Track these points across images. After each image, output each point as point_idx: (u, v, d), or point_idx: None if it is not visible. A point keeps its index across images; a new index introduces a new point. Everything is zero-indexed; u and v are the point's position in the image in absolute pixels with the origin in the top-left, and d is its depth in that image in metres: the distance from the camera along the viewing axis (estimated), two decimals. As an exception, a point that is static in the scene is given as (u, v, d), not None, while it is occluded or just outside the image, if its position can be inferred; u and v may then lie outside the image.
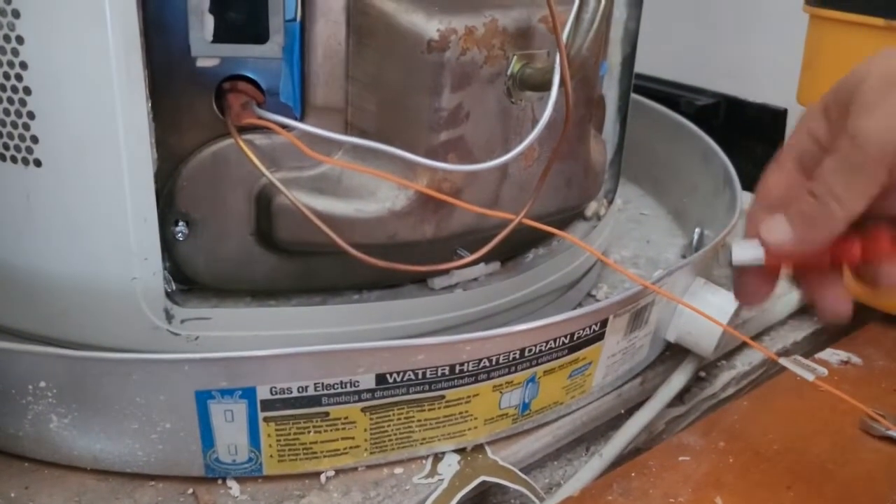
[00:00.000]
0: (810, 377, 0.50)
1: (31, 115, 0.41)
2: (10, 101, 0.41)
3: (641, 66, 0.64)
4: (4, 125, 0.42)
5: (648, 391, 0.55)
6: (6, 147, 0.42)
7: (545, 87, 0.43)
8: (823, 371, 0.56)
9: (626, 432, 0.52)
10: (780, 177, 0.42)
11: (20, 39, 0.40)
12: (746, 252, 0.40)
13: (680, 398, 0.56)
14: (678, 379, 0.55)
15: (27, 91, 0.41)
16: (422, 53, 0.42)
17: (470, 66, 0.43)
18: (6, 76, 0.41)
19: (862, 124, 0.37)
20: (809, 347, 0.64)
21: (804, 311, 0.66)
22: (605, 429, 0.53)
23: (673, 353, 0.57)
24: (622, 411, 0.54)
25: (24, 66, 0.40)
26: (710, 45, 0.94)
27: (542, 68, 0.44)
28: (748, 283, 0.43)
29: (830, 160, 0.38)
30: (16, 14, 0.39)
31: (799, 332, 0.64)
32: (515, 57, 0.44)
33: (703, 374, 0.58)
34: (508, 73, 0.45)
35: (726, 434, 0.50)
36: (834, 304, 0.41)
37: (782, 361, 0.51)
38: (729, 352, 0.60)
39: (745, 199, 0.65)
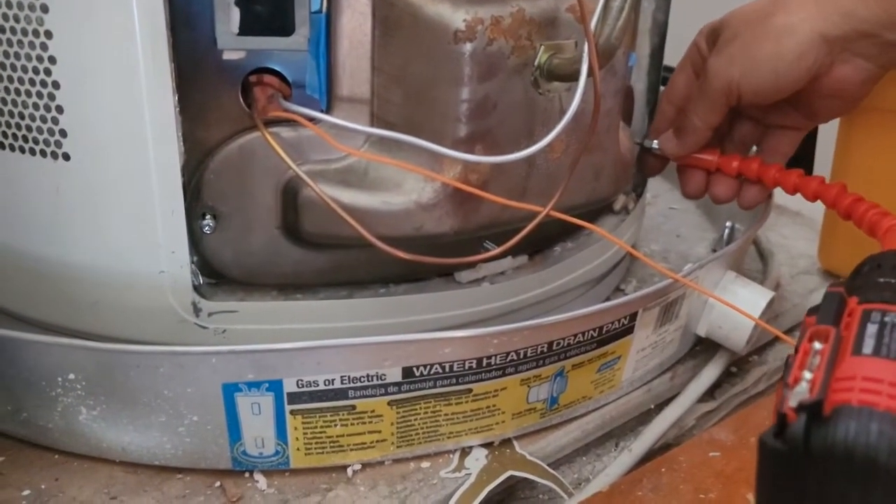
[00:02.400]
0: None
1: (59, 110, 0.42)
2: (39, 95, 0.42)
3: (671, 59, 0.64)
4: (34, 119, 0.42)
5: (678, 386, 0.54)
6: (35, 141, 0.43)
7: (573, 77, 0.42)
8: (858, 366, 0.55)
9: (656, 427, 0.51)
10: (681, 77, 0.56)
11: (48, 34, 0.40)
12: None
13: (710, 394, 0.55)
14: (709, 374, 0.54)
15: (56, 85, 0.41)
16: (448, 44, 0.41)
17: (497, 57, 0.43)
18: (35, 71, 0.41)
19: (711, 62, 0.51)
20: (843, 343, 0.62)
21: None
22: (635, 424, 0.53)
23: (703, 347, 0.56)
24: (652, 406, 0.53)
25: (52, 60, 0.41)
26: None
27: (570, 58, 0.43)
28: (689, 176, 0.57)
29: (696, 87, 0.52)
30: (44, 9, 0.40)
31: (832, 327, 0.63)
32: (543, 47, 0.44)
33: (734, 369, 0.57)
34: (535, 63, 0.44)
35: (758, 430, 0.48)
36: (723, 191, 0.56)
37: None
38: (760, 347, 0.59)
39: (776, 192, 0.65)
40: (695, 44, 0.55)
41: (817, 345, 0.29)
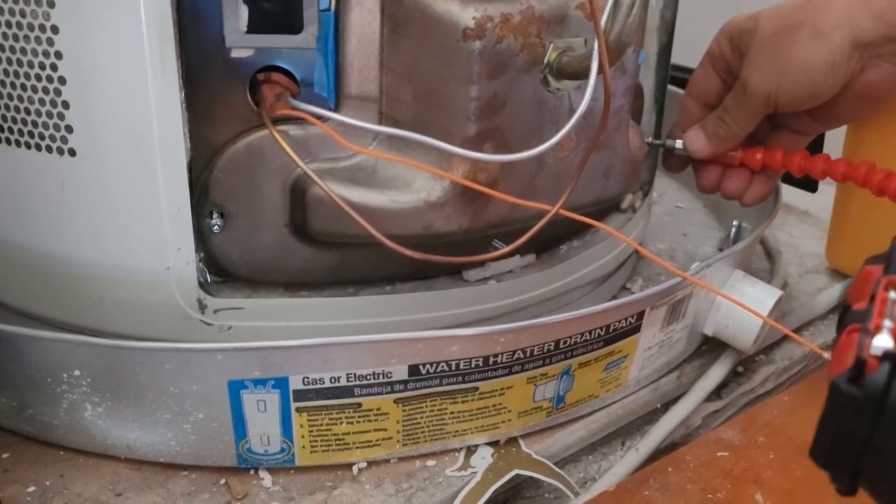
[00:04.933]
0: (854, 372, 0.49)
1: (65, 105, 0.41)
2: (46, 90, 0.41)
3: (678, 57, 0.64)
4: (40, 115, 0.42)
5: (685, 385, 0.54)
6: (41, 137, 0.43)
7: (583, 75, 0.42)
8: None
9: (663, 427, 0.51)
10: (702, 74, 0.57)
11: (55, 29, 0.40)
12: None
13: (717, 393, 0.55)
14: (716, 373, 0.54)
15: (62, 81, 0.41)
16: (457, 42, 0.41)
17: (506, 55, 0.42)
18: (41, 66, 0.41)
19: (748, 75, 0.51)
20: (851, 342, 0.62)
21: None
22: (641, 423, 0.53)
23: (710, 347, 0.56)
24: (658, 405, 0.53)
25: (58, 55, 0.40)
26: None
27: (580, 56, 0.43)
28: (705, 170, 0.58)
29: (730, 96, 0.53)
30: (51, 4, 0.40)
31: (840, 326, 0.62)
32: (552, 45, 0.44)
33: (741, 368, 0.57)
34: (545, 61, 0.44)
35: (766, 429, 0.49)
36: (737, 186, 0.57)
37: (828, 356, 0.50)
38: (768, 346, 0.59)
39: (783, 191, 0.64)
40: (716, 43, 0.55)
41: (894, 294, 0.29)
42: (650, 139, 0.59)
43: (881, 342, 0.26)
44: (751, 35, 0.51)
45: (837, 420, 0.27)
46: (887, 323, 0.27)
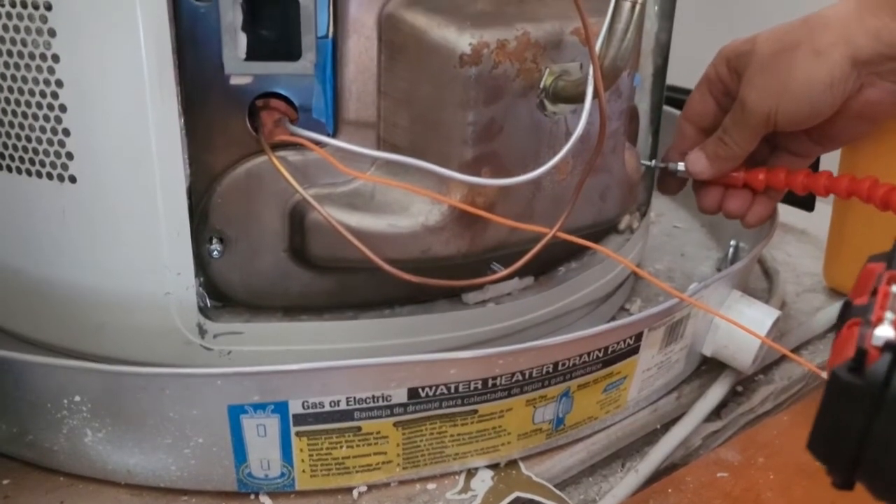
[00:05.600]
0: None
1: (66, 132, 0.42)
2: (46, 118, 0.42)
3: (673, 78, 0.64)
4: (41, 142, 0.42)
5: (685, 406, 0.54)
6: (42, 164, 0.43)
7: (578, 99, 0.42)
8: (866, 386, 0.55)
9: (663, 448, 0.51)
10: (699, 97, 0.57)
11: (56, 58, 0.40)
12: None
13: (717, 413, 0.55)
14: (715, 393, 0.54)
15: (63, 108, 0.41)
16: (454, 68, 0.42)
17: (502, 80, 0.43)
18: (42, 94, 0.41)
19: (747, 94, 0.51)
20: (849, 361, 0.62)
21: (843, 324, 0.65)
22: (641, 444, 0.53)
23: (709, 367, 0.56)
24: (658, 426, 0.53)
25: (59, 84, 0.41)
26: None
27: (575, 80, 0.44)
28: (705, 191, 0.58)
29: (729, 117, 0.53)
30: (52, 33, 0.40)
31: (838, 345, 0.63)
32: (548, 70, 0.44)
33: (740, 388, 0.57)
34: (541, 85, 0.44)
35: (766, 450, 0.49)
36: (738, 207, 0.57)
37: (826, 375, 0.50)
38: (767, 366, 0.59)
39: (780, 211, 0.65)
40: (713, 67, 0.56)
41: None
42: (651, 162, 0.59)
43: (883, 332, 0.26)
44: (749, 56, 0.52)
45: (836, 411, 0.27)
46: (889, 315, 0.27)
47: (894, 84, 0.50)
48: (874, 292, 0.29)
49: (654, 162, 0.59)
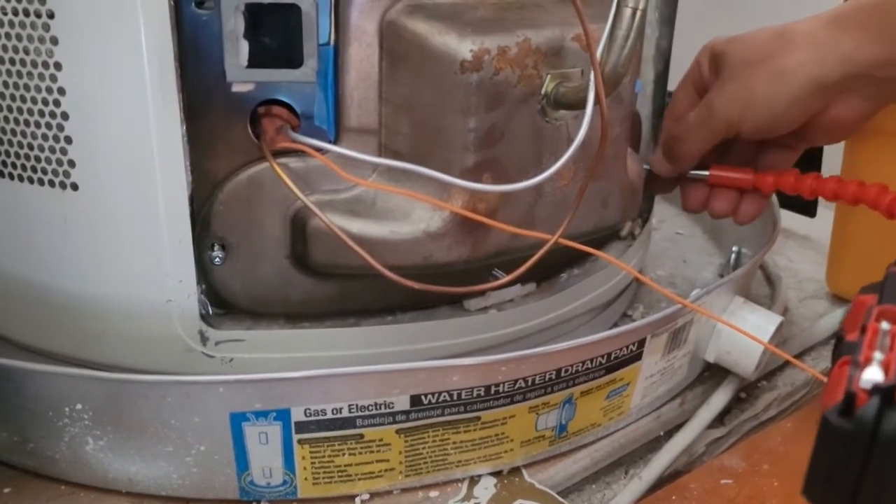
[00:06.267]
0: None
1: (68, 140, 0.42)
2: (49, 126, 0.42)
3: (674, 85, 0.64)
4: (42, 150, 0.43)
5: (688, 412, 0.54)
6: (44, 171, 0.43)
7: (580, 105, 0.42)
8: (869, 392, 0.55)
9: (666, 454, 0.51)
10: (683, 94, 0.56)
11: (58, 66, 0.40)
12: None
13: (720, 419, 0.55)
14: (718, 400, 0.54)
15: (65, 116, 0.41)
16: (455, 74, 0.42)
17: (503, 86, 0.43)
18: (45, 102, 0.41)
19: (713, 98, 0.51)
20: (852, 367, 0.62)
21: (846, 330, 0.65)
22: (644, 451, 0.52)
23: (712, 373, 0.56)
24: (661, 433, 0.53)
25: (61, 91, 0.41)
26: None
27: (577, 86, 0.44)
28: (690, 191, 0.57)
29: (693, 115, 0.53)
30: (54, 41, 0.40)
31: (841, 351, 0.62)
32: (549, 76, 0.44)
33: (743, 394, 0.57)
34: (542, 92, 0.44)
35: (770, 456, 0.49)
36: (723, 205, 0.56)
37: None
38: (770, 372, 0.59)
39: (782, 216, 0.65)
40: (696, 62, 0.55)
41: (885, 325, 0.28)
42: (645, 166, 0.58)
43: (870, 375, 0.26)
44: (724, 58, 0.52)
45: (829, 455, 0.26)
46: (877, 355, 0.27)
47: (863, 100, 0.49)
48: (864, 329, 0.29)
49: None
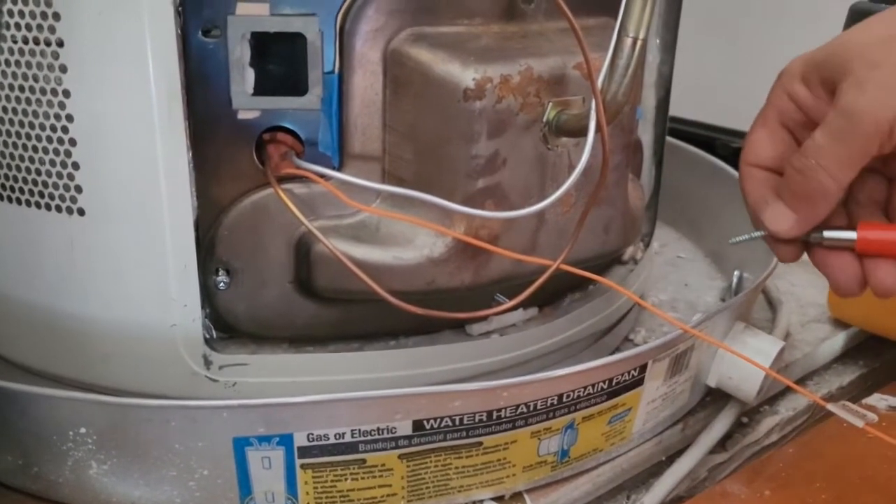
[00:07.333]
0: (860, 423, 0.49)
1: (75, 166, 0.42)
2: (56, 152, 0.42)
3: (676, 110, 0.64)
4: (50, 175, 0.43)
5: (690, 437, 0.54)
6: (52, 197, 0.43)
7: (581, 132, 0.43)
8: (873, 417, 0.55)
9: (668, 480, 0.51)
10: (765, 133, 0.43)
11: (66, 93, 0.41)
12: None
13: (722, 445, 0.55)
14: (720, 425, 0.54)
15: (73, 142, 0.42)
16: (458, 102, 0.42)
17: (506, 114, 0.43)
18: (53, 128, 0.42)
19: (854, 100, 0.38)
20: (855, 392, 0.62)
21: (848, 355, 0.65)
22: (646, 476, 0.52)
23: (714, 398, 0.56)
24: (663, 458, 0.53)
25: (70, 118, 0.41)
26: (744, 86, 0.94)
27: (578, 114, 0.44)
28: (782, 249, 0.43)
29: (820, 135, 0.39)
30: (63, 69, 0.41)
31: (844, 376, 0.63)
32: (551, 104, 0.45)
33: (745, 419, 0.57)
34: (544, 119, 0.45)
35: (772, 482, 0.48)
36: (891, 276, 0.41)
37: (830, 407, 0.50)
38: (772, 397, 0.59)
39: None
40: (782, 92, 0.42)
41: None
42: (736, 239, 0.45)
43: None
44: (843, 57, 0.39)
45: None
46: None
47: None
48: None
49: (748, 235, 0.44)
